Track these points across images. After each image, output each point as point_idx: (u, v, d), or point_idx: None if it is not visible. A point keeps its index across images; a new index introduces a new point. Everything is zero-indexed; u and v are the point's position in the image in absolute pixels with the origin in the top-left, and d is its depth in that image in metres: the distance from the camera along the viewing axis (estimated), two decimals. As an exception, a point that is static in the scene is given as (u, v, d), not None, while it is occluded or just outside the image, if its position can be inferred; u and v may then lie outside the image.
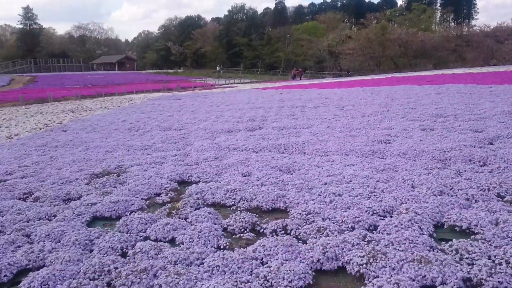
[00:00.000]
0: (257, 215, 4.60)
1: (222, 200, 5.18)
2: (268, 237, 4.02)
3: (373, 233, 4.01)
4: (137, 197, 5.41)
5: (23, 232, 4.59)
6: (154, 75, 61.20)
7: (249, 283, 3.23)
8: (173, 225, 4.38)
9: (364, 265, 3.37)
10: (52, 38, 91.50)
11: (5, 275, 3.73)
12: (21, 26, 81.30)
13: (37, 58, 69.99)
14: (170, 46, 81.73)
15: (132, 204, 5.15)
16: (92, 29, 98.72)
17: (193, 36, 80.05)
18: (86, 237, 4.24)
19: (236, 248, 3.84)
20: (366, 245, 3.67)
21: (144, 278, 3.41)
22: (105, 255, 3.90)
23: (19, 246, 4.26)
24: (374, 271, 3.30)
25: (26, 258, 3.95)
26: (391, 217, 4.31)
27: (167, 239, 4.25)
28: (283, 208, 4.84)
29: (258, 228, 4.36)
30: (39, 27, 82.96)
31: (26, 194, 5.98)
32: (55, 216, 5.02)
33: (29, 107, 24.06)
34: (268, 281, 3.29)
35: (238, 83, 46.20)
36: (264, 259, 3.65)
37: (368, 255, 3.46)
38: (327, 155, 7.05)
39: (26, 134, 12.37)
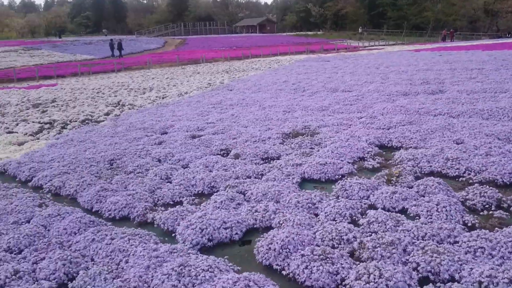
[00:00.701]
0: (497, 190, 3.94)
1: (443, 169, 4.59)
2: (525, 218, 3.39)
3: None
4: (342, 161, 5.06)
5: (237, 189, 4.53)
6: (294, 37, 60.94)
7: (533, 274, 2.67)
8: (402, 194, 3.93)
9: None
10: (199, 2, 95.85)
11: (236, 233, 3.65)
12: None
13: (186, 21, 74.09)
14: (310, 8, 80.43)
15: (341, 168, 4.81)
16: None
17: (334, -4, 77.57)
18: (307, 199, 4.00)
19: (496, 229, 3.28)
20: None
21: (394, 253, 3.03)
22: (334, 221, 3.61)
23: (239, 204, 4.19)
24: None
25: (252, 217, 3.84)
26: None
27: (396, 209, 3.83)
28: (525, 184, 4.11)
29: (504, 205, 3.72)
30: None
31: (223, 151, 6.02)
32: (262, 175, 4.90)
33: (185, 67, 25.38)
34: (557, 275, 2.68)
35: (383, 45, 43.88)
36: (535, 246, 3.04)
37: None
38: (551, 124, 5.99)
39: (195, 93, 12.88)
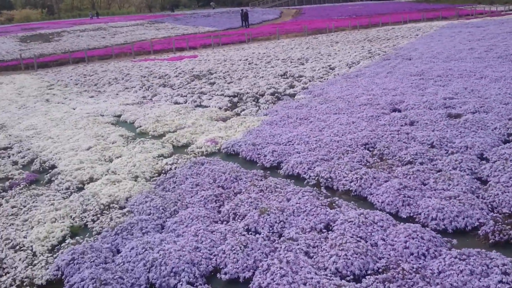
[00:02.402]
0: None
1: None
2: None
3: None
4: None
5: None
6: (415, 4, 56.49)
7: None
8: None
9: None
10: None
11: None
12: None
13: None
14: (429, -29, 74.27)
15: None
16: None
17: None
18: None
19: None
20: None
21: None
22: None
23: None
24: None
25: None
26: None
27: None
28: None
29: None
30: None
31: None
32: None
33: (317, 37, 23.94)
34: None
35: (526, 9, 38.89)
36: None
37: None
38: None
39: (364, 62, 11.45)
